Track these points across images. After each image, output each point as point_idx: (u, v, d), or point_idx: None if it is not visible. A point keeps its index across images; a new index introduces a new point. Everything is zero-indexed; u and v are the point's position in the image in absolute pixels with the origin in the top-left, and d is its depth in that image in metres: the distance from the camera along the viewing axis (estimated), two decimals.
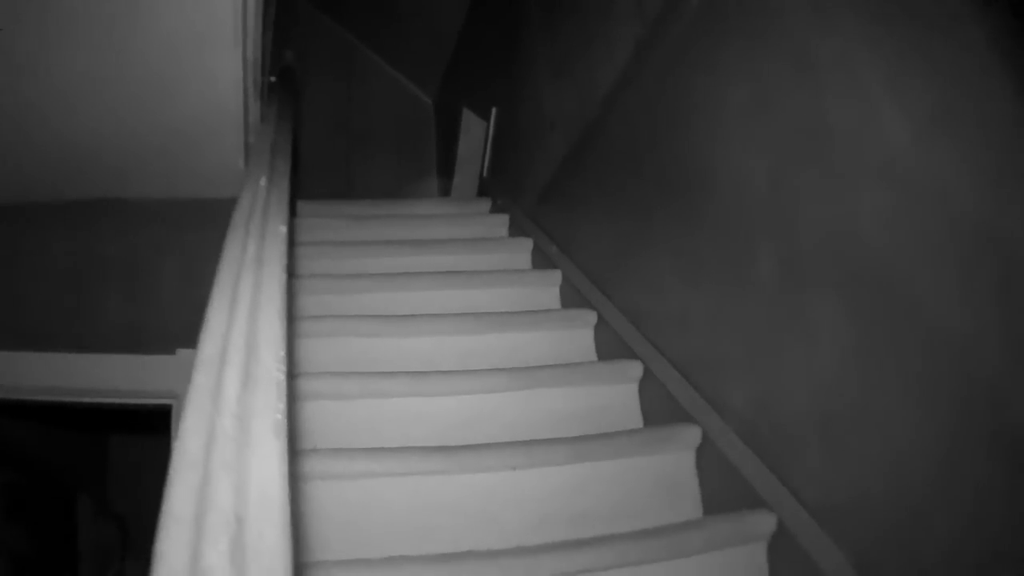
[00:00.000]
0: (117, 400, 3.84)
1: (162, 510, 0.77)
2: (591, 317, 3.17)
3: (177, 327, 3.73)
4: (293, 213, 4.42)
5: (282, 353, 1.08)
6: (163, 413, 3.76)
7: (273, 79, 4.31)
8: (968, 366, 1.47)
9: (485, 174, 5.34)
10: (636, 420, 2.72)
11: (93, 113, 3.37)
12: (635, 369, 2.75)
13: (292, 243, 3.66)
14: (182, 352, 3.69)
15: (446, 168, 6.63)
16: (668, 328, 2.69)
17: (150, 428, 4.33)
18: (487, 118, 5.31)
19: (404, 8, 6.82)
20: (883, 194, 1.68)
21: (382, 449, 2.25)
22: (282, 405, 0.97)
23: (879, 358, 1.71)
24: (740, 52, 2.25)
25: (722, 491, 2.25)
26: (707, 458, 2.34)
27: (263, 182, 1.79)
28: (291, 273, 3.23)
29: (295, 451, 2.23)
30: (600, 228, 3.34)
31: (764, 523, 2.01)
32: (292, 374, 2.30)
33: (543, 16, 4.20)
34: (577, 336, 3.16)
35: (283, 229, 1.55)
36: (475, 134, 5.80)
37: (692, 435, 2.36)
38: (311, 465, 2.12)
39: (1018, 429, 1.37)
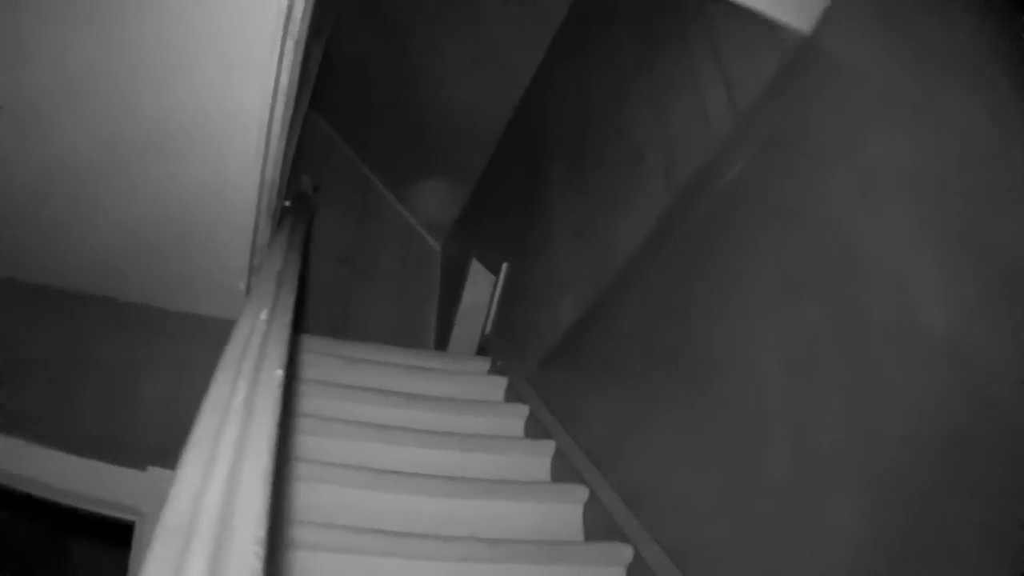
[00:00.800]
0: (80, 505, 3.78)
1: None
2: (583, 493, 3.13)
3: (152, 443, 3.69)
4: (294, 348, 4.41)
5: (262, 533, 0.96)
6: (127, 527, 3.70)
7: (288, 203, 4.36)
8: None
9: (487, 331, 5.34)
10: None
11: (101, 210, 3.39)
12: (625, 553, 2.69)
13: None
14: (153, 470, 3.64)
15: (446, 318, 6.64)
16: (665, 513, 2.65)
17: (113, 538, 4.24)
18: (496, 272, 5.34)
19: (424, 150, 6.97)
20: (916, 392, 1.68)
21: None
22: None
23: (897, 564, 1.69)
24: (772, 233, 2.29)
25: None
26: None
27: (264, 315, 1.74)
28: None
29: None
30: (602, 402, 3.33)
31: None
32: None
33: (566, 177, 4.27)
34: (566, 511, 3.11)
35: (279, 373, 1.43)
36: (481, 287, 5.84)
37: None
38: None
39: None
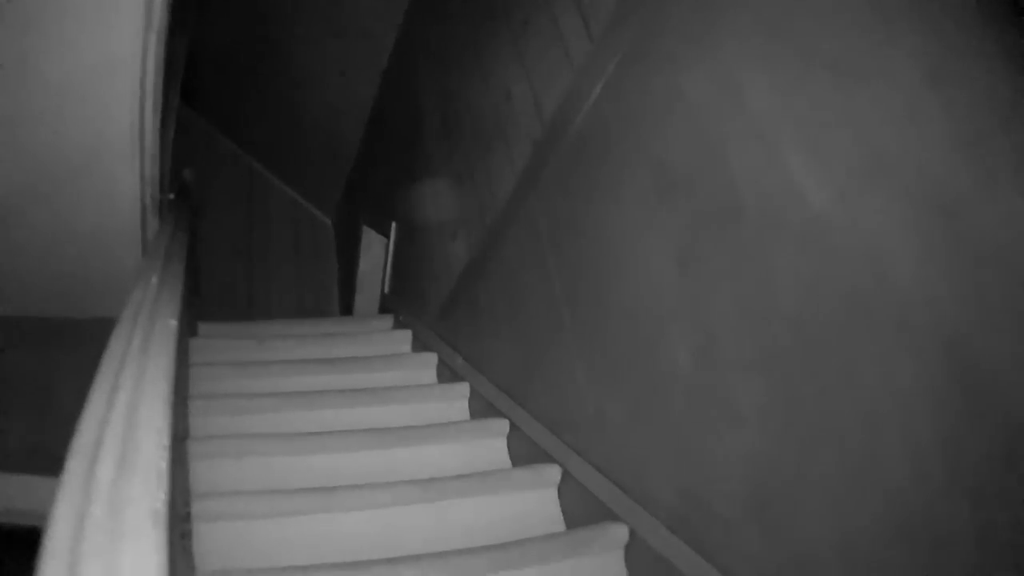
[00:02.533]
0: (13, 520, 3.66)
1: None
2: (503, 426, 3.11)
3: None
4: (193, 333, 4.31)
5: (166, 441, 1.00)
6: None
7: (172, 196, 4.25)
8: (909, 429, 1.45)
9: (386, 291, 5.30)
10: (558, 524, 2.65)
11: (15, 236, 3.29)
12: (553, 473, 2.69)
13: (188, 364, 3.56)
14: None
15: (347, 286, 6.59)
16: (585, 429, 2.63)
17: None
18: (387, 234, 5.30)
19: (302, 130, 6.86)
20: (804, 261, 1.67)
21: (291, 567, 2.14)
22: (162, 494, 0.90)
23: (811, 428, 1.69)
24: (639, 143, 2.27)
25: None
26: (637, 555, 2.27)
27: (154, 280, 1.72)
28: (188, 394, 3.15)
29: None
30: (507, 336, 3.31)
31: None
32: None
33: (441, 129, 4.24)
34: (490, 446, 3.10)
35: (173, 322, 1.47)
36: (375, 251, 5.80)
37: (619, 533, 2.30)
38: None
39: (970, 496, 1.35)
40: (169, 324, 1.44)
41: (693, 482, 2.10)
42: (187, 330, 3.79)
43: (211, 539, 2.34)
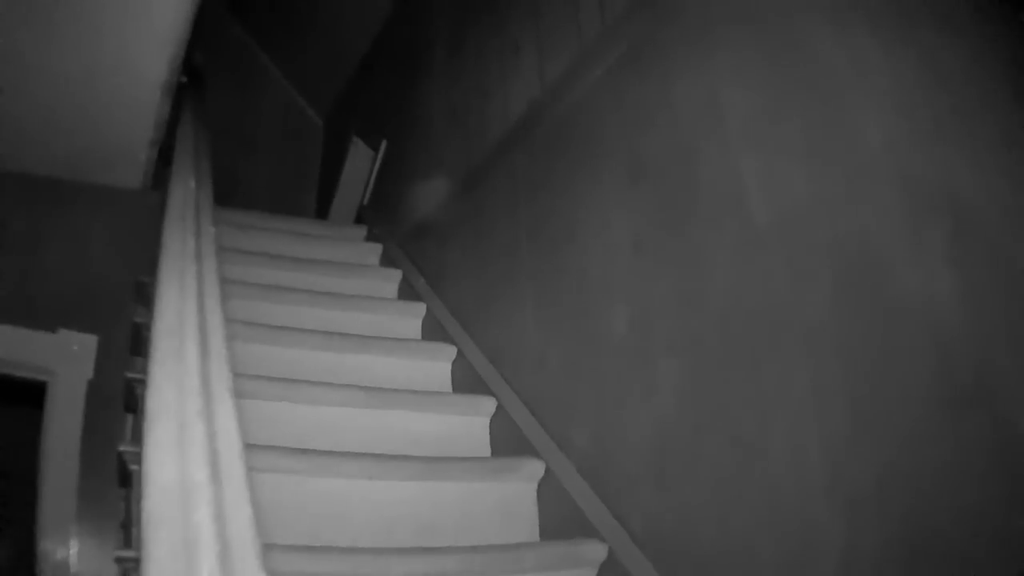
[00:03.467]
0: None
1: (148, 440, 0.90)
2: (450, 351, 3.32)
3: (61, 306, 3.69)
4: None
5: (223, 333, 1.20)
6: (38, 389, 3.69)
7: (184, 79, 4.32)
8: (795, 434, 1.67)
9: (366, 202, 5.41)
10: (485, 451, 2.87)
11: (28, 90, 3.36)
12: (488, 404, 2.91)
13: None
14: (63, 332, 3.64)
15: (327, 188, 6.64)
16: (524, 368, 2.86)
17: (19, 402, 4.21)
18: (376, 148, 5.39)
19: (310, 23, 6.86)
20: (734, 266, 1.88)
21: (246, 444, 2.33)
22: (230, 374, 1.10)
23: (712, 411, 1.91)
24: (624, 130, 2.45)
25: (560, 521, 2.42)
26: (548, 490, 2.50)
27: (192, 183, 1.87)
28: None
29: None
30: (469, 268, 3.51)
31: (596, 551, 2.19)
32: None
33: (446, 63, 4.33)
34: (435, 368, 3.30)
35: (212, 229, 1.64)
36: (361, 162, 5.85)
37: (535, 468, 2.52)
38: None
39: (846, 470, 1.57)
40: (210, 231, 1.60)
41: (607, 435, 2.33)
42: None
43: None
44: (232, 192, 6.97)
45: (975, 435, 1.32)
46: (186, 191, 1.79)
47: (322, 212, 6.63)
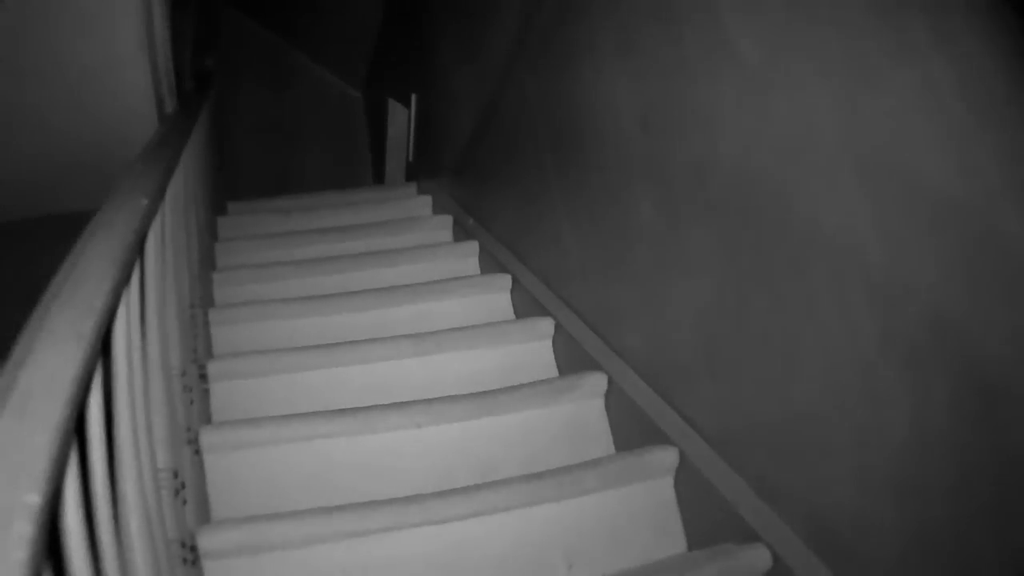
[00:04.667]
0: None
1: None
2: (506, 281, 3.14)
3: None
4: (223, 212, 4.35)
5: (106, 287, 1.04)
6: None
7: (193, 85, 4.24)
8: (851, 272, 1.45)
9: (410, 158, 5.30)
10: (551, 372, 2.69)
11: (22, 136, 3.32)
12: (546, 325, 2.72)
13: (216, 239, 3.61)
14: None
15: (378, 156, 6.58)
16: (573, 281, 2.67)
17: None
18: (408, 105, 5.27)
19: (325, 6, 6.74)
20: (744, 119, 1.66)
21: (286, 416, 2.22)
22: (90, 322, 0.94)
23: (750, 281, 1.70)
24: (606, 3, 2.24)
25: (630, 431, 2.24)
26: (614, 401, 2.32)
27: (139, 165, 1.75)
28: (212, 266, 3.21)
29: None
30: (507, 197, 3.33)
31: (667, 458, 2.01)
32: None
33: (451, 7, 4.17)
34: (495, 300, 3.13)
35: (144, 201, 1.53)
36: (400, 122, 5.76)
37: (598, 381, 2.35)
38: (222, 436, 2.09)
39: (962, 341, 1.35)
40: (140, 203, 1.46)
41: (659, 331, 2.14)
42: (212, 209, 3.82)
43: (224, 396, 2.44)
44: (285, 184, 6.94)
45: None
46: (131, 172, 1.64)
47: (379, 179, 6.57)
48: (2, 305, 3.78)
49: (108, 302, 1.00)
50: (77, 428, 0.80)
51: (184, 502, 1.58)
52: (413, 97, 5.15)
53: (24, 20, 2.86)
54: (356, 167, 7.24)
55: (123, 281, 1.12)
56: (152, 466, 1.28)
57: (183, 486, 1.60)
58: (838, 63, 1.40)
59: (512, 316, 3.10)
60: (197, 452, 2.00)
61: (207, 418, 2.34)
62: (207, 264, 3.23)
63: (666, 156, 1.99)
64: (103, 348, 0.98)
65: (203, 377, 2.38)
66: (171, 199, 1.96)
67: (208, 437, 2.06)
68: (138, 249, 1.38)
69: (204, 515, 1.92)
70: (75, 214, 3.88)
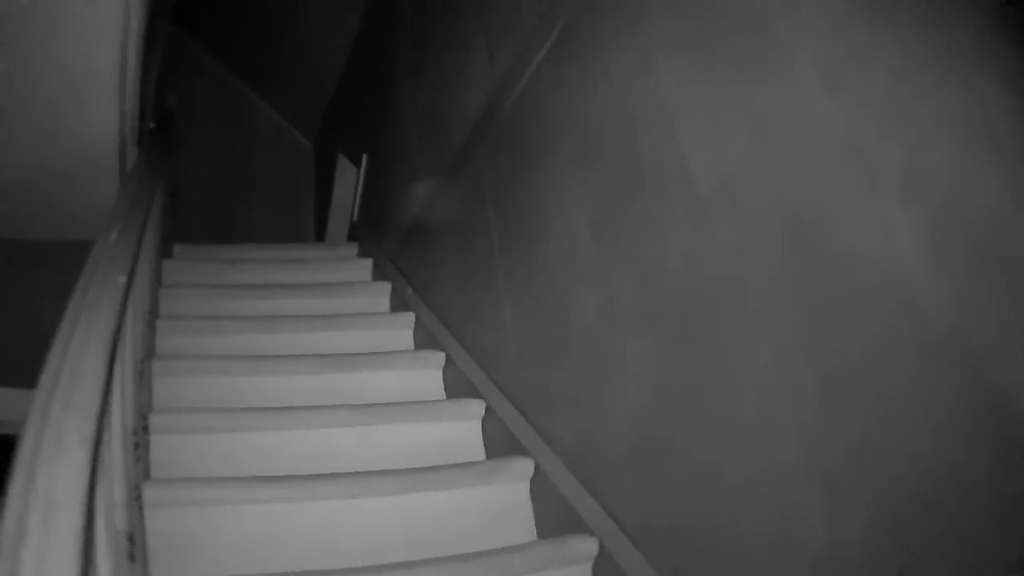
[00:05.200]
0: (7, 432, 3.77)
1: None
2: (440, 358, 3.23)
3: None
4: (168, 255, 4.40)
5: (99, 385, 1.12)
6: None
7: (153, 125, 4.29)
8: (773, 400, 1.57)
9: (355, 218, 5.38)
10: (479, 454, 2.78)
11: None
12: (478, 407, 2.81)
13: (160, 284, 3.67)
14: None
15: (322, 210, 6.63)
16: (509, 367, 2.77)
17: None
18: (358, 164, 5.36)
19: (287, 53, 6.83)
20: (688, 237, 1.79)
21: (229, 478, 2.29)
22: (91, 424, 1.02)
23: (682, 391, 1.82)
24: (570, 109, 2.37)
25: (553, 518, 2.32)
26: (540, 488, 2.41)
27: (114, 235, 1.82)
28: (156, 314, 3.26)
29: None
30: (450, 272, 3.42)
31: (587, 547, 2.09)
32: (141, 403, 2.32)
33: (410, 69, 4.28)
34: (427, 376, 3.21)
35: (122, 279, 1.58)
36: (348, 179, 5.83)
37: (525, 467, 2.43)
38: (164, 493, 2.15)
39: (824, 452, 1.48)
40: (118, 282, 1.55)
41: (588, 425, 2.24)
42: (160, 252, 3.87)
43: (164, 450, 2.48)
44: (230, 229, 6.96)
45: (954, 390, 1.21)
46: (106, 242, 1.72)
47: (320, 235, 6.63)
48: None
49: (104, 400, 1.10)
50: None
51: (134, 560, 1.65)
52: (364, 157, 5.24)
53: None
54: (301, 217, 7.30)
55: (111, 372, 1.21)
56: (113, 532, 1.36)
57: (134, 545, 1.67)
58: (793, 205, 1.53)
59: (443, 393, 3.18)
60: (140, 508, 2.06)
61: (146, 471, 2.40)
62: (153, 311, 3.29)
63: (613, 261, 2.11)
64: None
65: (146, 429, 2.45)
66: (139, 264, 2.05)
67: (151, 493, 2.12)
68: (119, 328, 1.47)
69: (144, 571, 1.98)
70: (29, 242, 3.95)
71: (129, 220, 1.97)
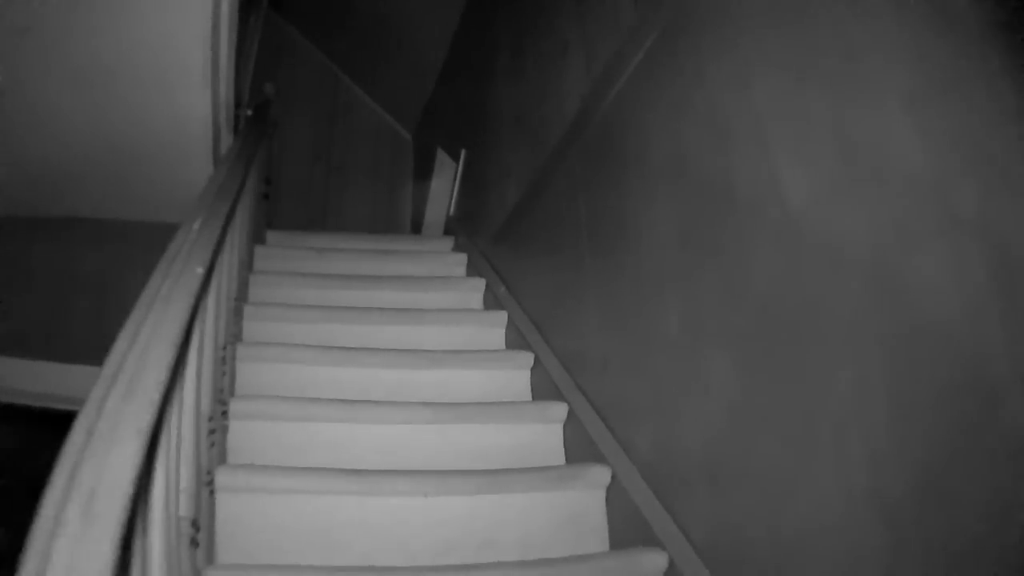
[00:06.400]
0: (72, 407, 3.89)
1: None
2: (528, 359, 3.26)
3: None
4: (262, 241, 4.50)
5: (163, 376, 1.16)
6: None
7: (250, 112, 4.38)
8: (847, 429, 1.56)
9: (451, 213, 5.42)
10: (559, 458, 2.81)
11: (79, 143, 3.46)
12: (560, 410, 2.84)
13: (251, 270, 3.75)
14: None
15: (419, 205, 6.69)
16: (591, 372, 2.78)
17: None
18: (457, 159, 5.40)
19: (389, 45, 6.92)
20: (776, 254, 1.77)
21: (302, 468, 2.35)
22: (148, 416, 1.06)
23: (759, 411, 1.81)
24: (663, 117, 2.36)
25: (627, 529, 2.34)
26: (615, 497, 2.43)
27: (196, 225, 1.86)
28: (245, 299, 3.34)
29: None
30: (542, 273, 3.45)
31: (658, 561, 2.10)
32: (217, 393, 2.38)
33: (508, 68, 4.31)
34: (514, 376, 3.25)
35: (200, 271, 1.62)
36: (446, 173, 5.89)
37: (602, 475, 2.45)
38: (237, 479, 2.21)
39: (886, 488, 1.46)
40: (196, 272, 1.59)
41: (665, 437, 2.24)
42: (252, 239, 3.96)
43: (243, 436, 2.57)
44: (326, 217, 7.06)
45: (1018, 440, 1.19)
46: (187, 234, 1.77)
47: (417, 228, 6.68)
48: (26, 292, 4.00)
49: (164, 392, 1.14)
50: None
51: (197, 546, 1.70)
52: (463, 152, 5.29)
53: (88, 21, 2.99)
54: (398, 209, 7.36)
55: (179, 366, 1.25)
56: (176, 517, 1.41)
57: (198, 530, 1.72)
58: (877, 232, 1.51)
59: (529, 395, 3.23)
60: (212, 492, 2.12)
61: (223, 455, 2.47)
62: (241, 297, 3.37)
63: (699, 275, 2.11)
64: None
65: (224, 414, 2.51)
66: (224, 253, 2.11)
67: (224, 478, 2.19)
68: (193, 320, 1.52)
69: (210, 554, 2.04)
70: (115, 221, 4.06)
71: (214, 210, 2.02)
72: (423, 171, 6.73)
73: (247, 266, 3.77)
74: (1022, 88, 1.22)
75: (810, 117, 1.71)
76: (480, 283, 4.13)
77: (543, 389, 3.13)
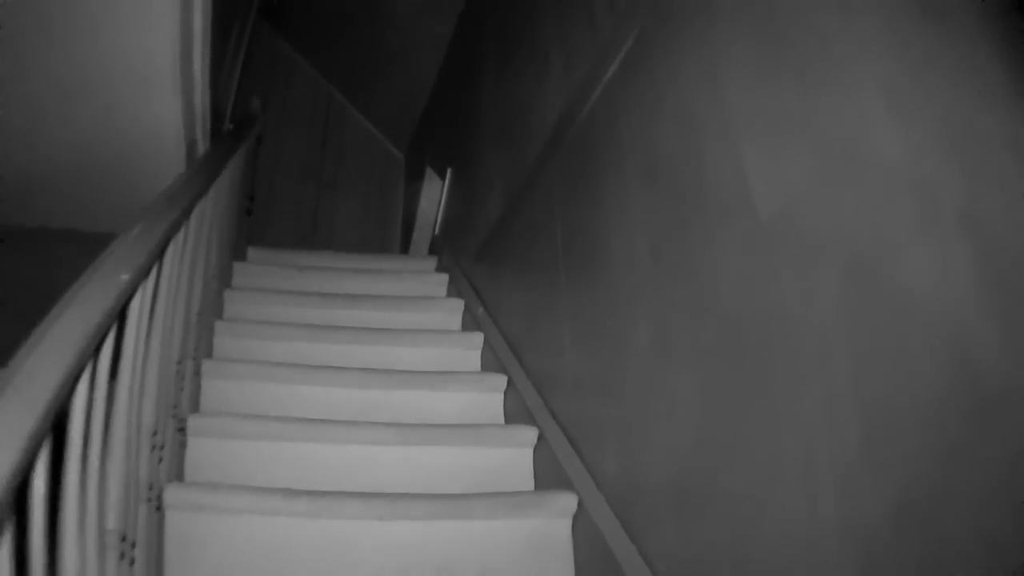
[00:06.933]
0: None
1: None
2: (501, 382, 3.18)
3: None
4: (242, 257, 4.45)
5: (56, 381, 1.11)
6: None
7: (231, 126, 4.34)
8: (816, 450, 1.49)
9: (436, 231, 5.39)
10: (527, 484, 2.72)
11: (54, 152, 3.43)
12: (529, 434, 2.75)
13: (229, 286, 3.71)
14: None
15: (408, 223, 6.67)
16: (563, 395, 2.70)
17: None
18: (443, 176, 5.37)
19: (381, 64, 6.90)
20: (746, 270, 1.71)
21: (253, 487, 2.29)
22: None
23: (725, 432, 1.73)
24: (636, 125, 2.30)
25: (593, 561, 2.24)
26: (581, 525, 2.33)
27: (135, 232, 1.82)
28: (218, 315, 3.30)
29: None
30: (518, 292, 3.37)
31: None
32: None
33: (493, 83, 4.27)
34: (486, 399, 3.17)
35: (124, 277, 1.58)
36: (433, 191, 5.87)
37: (568, 502, 2.35)
38: (184, 496, 2.16)
39: (863, 520, 1.39)
40: (120, 279, 1.53)
41: (632, 463, 2.15)
42: (230, 254, 3.92)
43: (202, 453, 2.50)
44: (313, 234, 7.04)
45: (1006, 462, 1.12)
46: (124, 240, 1.71)
47: (406, 247, 6.66)
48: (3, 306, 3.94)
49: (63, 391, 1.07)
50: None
51: (132, 562, 1.64)
52: (449, 170, 5.26)
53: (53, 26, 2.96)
54: (388, 228, 7.33)
55: (81, 365, 1.19)
56: (99, 529, 1.35)
57: (132, 547, 1.66)
58: (853, 236, 1.44)
59: (502, 417, 3.14)
60: (159, 508, 2.06)
61: (179, 472, 2.41)
62: (213, 311, 3.31)
63: (669, 288, 2.02)
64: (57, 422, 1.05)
65: (182, 431, 2.46)
66: (171, 261, 2.05)
67: (173, 495, 2.13)
68: (115, 319, 1.45)
69: (158, 572, 1.98)
70: (94, 234, 4.02)
71: (158, 217, 1.96)
72: (413, 190, 6.70)
73: (224, 281, 3.71)
74: (1015, 73, 1.15)
75: (782, 115, 1.62)
76: (459, 304, 4.06)
77: (516, 412, 3.04)
